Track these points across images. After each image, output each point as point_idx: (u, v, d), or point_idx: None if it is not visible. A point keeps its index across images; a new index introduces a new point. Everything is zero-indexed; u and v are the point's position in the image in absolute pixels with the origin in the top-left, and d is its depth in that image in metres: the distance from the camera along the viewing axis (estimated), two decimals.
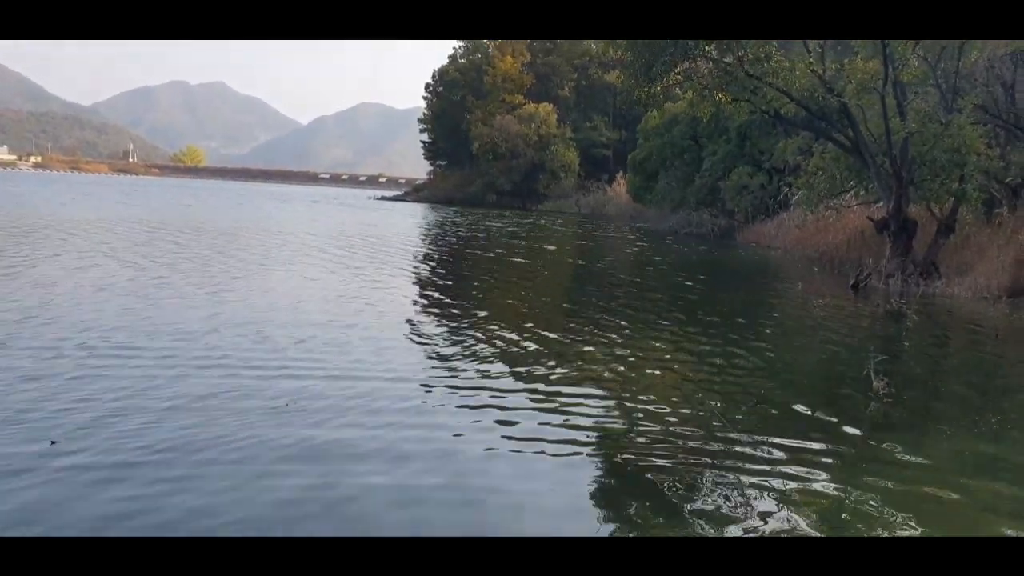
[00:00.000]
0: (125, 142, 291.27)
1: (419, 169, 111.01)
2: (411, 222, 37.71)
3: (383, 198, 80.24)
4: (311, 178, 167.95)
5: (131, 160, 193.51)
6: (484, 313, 11.12)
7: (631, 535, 4.22)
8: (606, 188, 64.14)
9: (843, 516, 4.49)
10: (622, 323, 10.56)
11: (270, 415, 5.70)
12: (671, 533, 4.23)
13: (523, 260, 20.82)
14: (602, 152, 71.37)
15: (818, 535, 4.22)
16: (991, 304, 14.68)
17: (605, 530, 4.25)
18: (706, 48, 18.10)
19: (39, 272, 12.20)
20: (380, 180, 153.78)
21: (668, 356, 8.66)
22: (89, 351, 7.25)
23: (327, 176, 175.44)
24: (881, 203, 18.90)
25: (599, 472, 5.09)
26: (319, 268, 15.40)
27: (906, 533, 4.28)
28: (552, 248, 26.75)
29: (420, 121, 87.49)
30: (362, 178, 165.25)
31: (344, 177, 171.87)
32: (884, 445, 5.80)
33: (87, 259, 14.27)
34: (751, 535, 4.18)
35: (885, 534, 4.26)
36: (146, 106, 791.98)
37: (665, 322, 11.01)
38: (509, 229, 34.37)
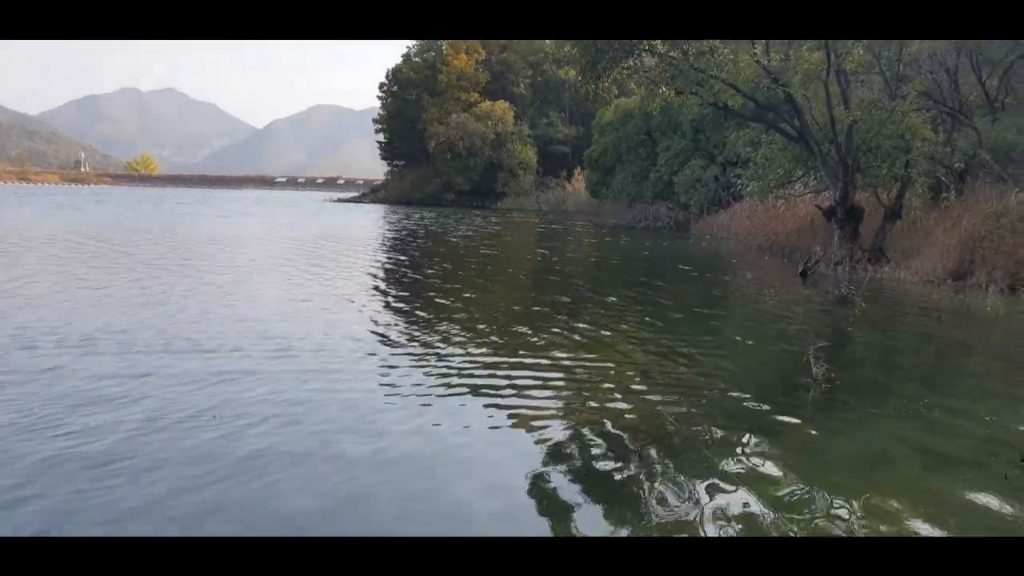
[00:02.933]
0: (76, 151, 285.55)
1: (375, 169, 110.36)
2: (367, 223, 37.42)
3: (340, 200, 79.57)
4: (267, 182, 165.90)
5: (83, 170, 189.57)
6: (440, 311, 11.05)
7: (585, 534, 4.19)
8: (565, 184, 64.37)
9: (774, 507, 4.51)
10: (577, 316, 10.57)
11: (200, 427, 5.58)
12: (615, 528, 4.22)
13: (482, 258, 20.76)
14: (560, 149, 71.49)
15: (741, 530, 4.24)
16: (936, 287, 14.97)
17: (557, 528, 4.22)
18: (651, 43, 18.22)
19: None
20: (338, 182, 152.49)
21: (620, 349, 8.68)
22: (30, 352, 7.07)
23: (284, 179, 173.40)
24: (829, 191, 19.17)
25: (547, 468, 5.06)
26: (274, 274, 15.20)
27: (829, 526, 4.31)
28: (511, 246, 26.74)
29: (375, 121, 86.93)
30: (319, 180, 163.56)
31: (301, 180, 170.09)
32: (820, 432, 5.86)
33: (31, 270, 13.93)
34: (707, 532, 4.18)
35: (797, 531, 4.29)
36: (96, 115, 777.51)
37: (618, 316, 11.03)
38: (468, 228, 34.29)
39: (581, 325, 9.96)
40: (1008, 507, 4.49)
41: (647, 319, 10.85)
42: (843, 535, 4.10)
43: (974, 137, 19.67)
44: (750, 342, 9.66)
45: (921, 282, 15.68)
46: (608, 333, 9.59)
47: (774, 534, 4.12)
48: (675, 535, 4.09)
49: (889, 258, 17.90)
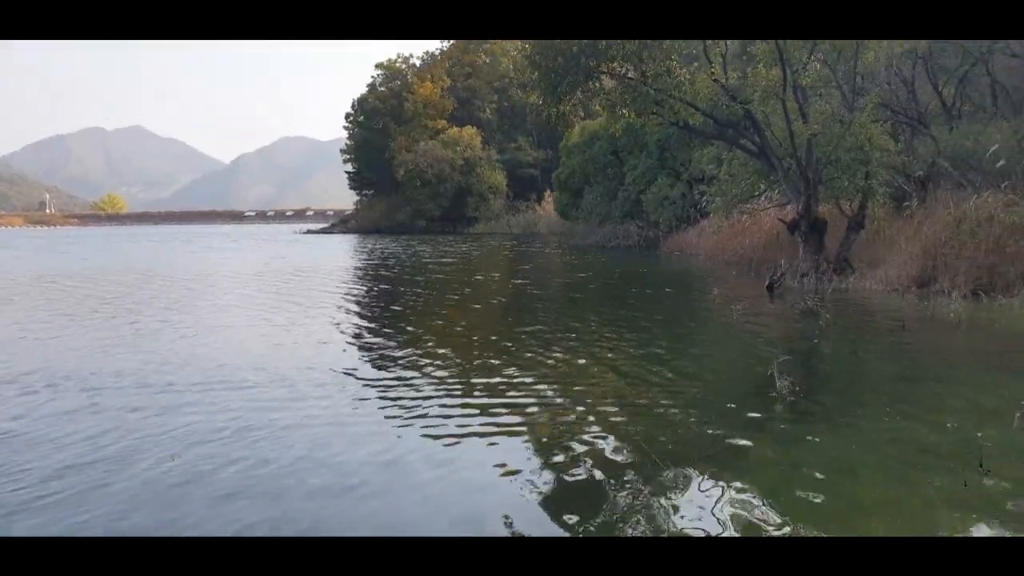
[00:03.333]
0: (40, 193, 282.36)
1: (345, 199, 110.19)
2: (337, 254, 37.29)
3: (309, 231, 79.32)
4: (236, 217, 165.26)
5: (48, 211, 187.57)
6: (413, 333, 11.00)
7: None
8: (536, 207, 64.74)
9: (737, 522, 4.50)
10: (548, 342, 10.55)
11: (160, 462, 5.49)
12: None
13: (452, 282, 20.73)
14: (529, 172, 71.97)
15: (703, 534, 4.22)
16: (901, 295, 15.14)
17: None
18: (610, 65, 18.42)
19: None
20: (307, 214, 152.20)
21: (590, 371, 8.67)
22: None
23: (252, 213, 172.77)
24: (792, 204, 19.38)
25: (519, 495, 5.01)
26: (241, 308, 15.06)
27: (782, 533, 4.31)
28: (482, 269, 26.72)
29: (343, 151, 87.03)
30: (289, 213, 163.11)
31: (270, 213, 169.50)
32: (784, 446, 5.87)
33: None
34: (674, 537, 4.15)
35: (769, 534, 4.28)
36: (60, 155, 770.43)
37: (588, 338, 11.03)
38: (439, 254, 34.28)
39: (552, 351, 9.92)
40: (968, 513, 4.52)
41: (616, 339, 10.86)
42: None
43: (933, 145, 20.01)
44: (716, 358, 9.70)
45: (886, 291, 15.85)
46: (579, 356, 9.57)
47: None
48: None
49: (854, 268, 18.10)
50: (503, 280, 22.72)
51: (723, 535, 4.31)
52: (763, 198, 22.47)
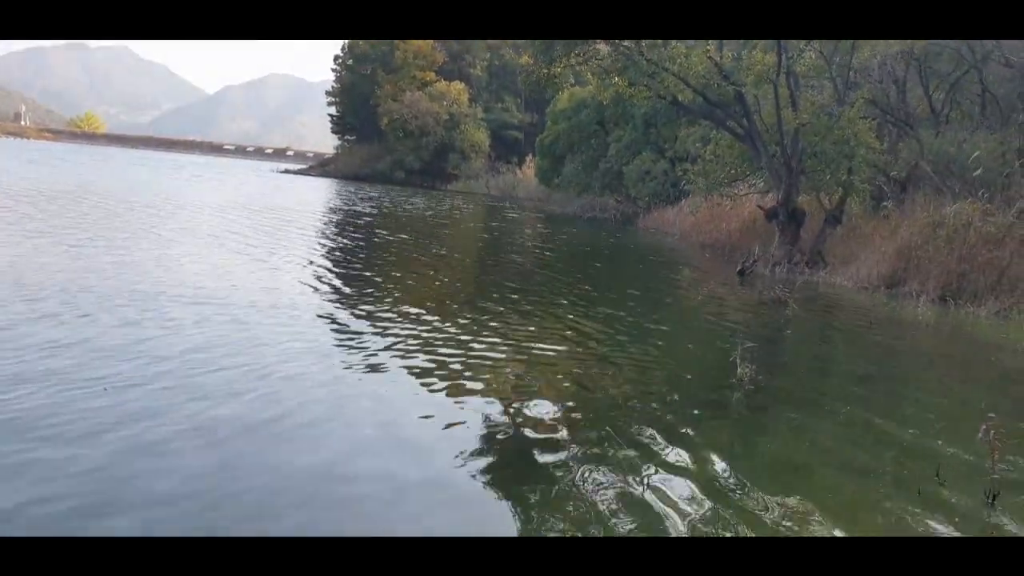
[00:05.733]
0: (17, 104, 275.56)
1: (326, 143, 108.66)
2: (313, 197, 36.65)
3: (287, 171, 78.17)
4: (216, 149, 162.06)
5: (23, 123, 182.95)
6: (377, 294, 10.71)
7: (493, 529, 3.94)
8: (516, 170, 64.13)
9: (682, 510, 4.31)
10: (505, 316, 10.32)
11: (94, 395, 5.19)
12: (524, 524, 3.98)
13: (426, 241, 20.38)
14: (513, 134, 71.19)
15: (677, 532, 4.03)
16: (870, 294, 15.08)
17: (482, 525, 3.96)
18: None
19: None
20: (288, 153, 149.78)
21: (547, 346, 8.44)
22: None
23: (232, 147, 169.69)
24: (772, 192, 19.23)
25: (468, 464, 4.80)
26: (210, 243, 14.63)
27: (737, 530, 4.13)
28: (457, 230, 26.34)
29: (328, 94, 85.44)
30: (268, 150, 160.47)
31: (250, 149, 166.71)
32: (739, 435, 5.72)
33: None
34: (618, 533, 3.95)
35: (715, 532, 4.09)
36: (39, 68, 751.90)
37: (550, 311, 10.82)
38: (416, 208, 33.82)
39: (512, 325, 9.63)
40: (922, 522, 4.37)
41: (580, 315, 10.66)
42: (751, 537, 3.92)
43: (916, 148, 19.91)
44: (679, 339, 9.51)
45: (856, 287, 15.79)
46: (534, 329, 9.34)
47: (676, 534, 3.92)
48: (582, 535, 3.87)
49: (827, 262, 18.03)
50: (479, 245, 22.43)
51: (659, 519, 4.12)
52: (745, 183, 22.31)
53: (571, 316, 10.34)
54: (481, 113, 69.86)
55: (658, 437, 5.44)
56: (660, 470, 4.84)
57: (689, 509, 4.31)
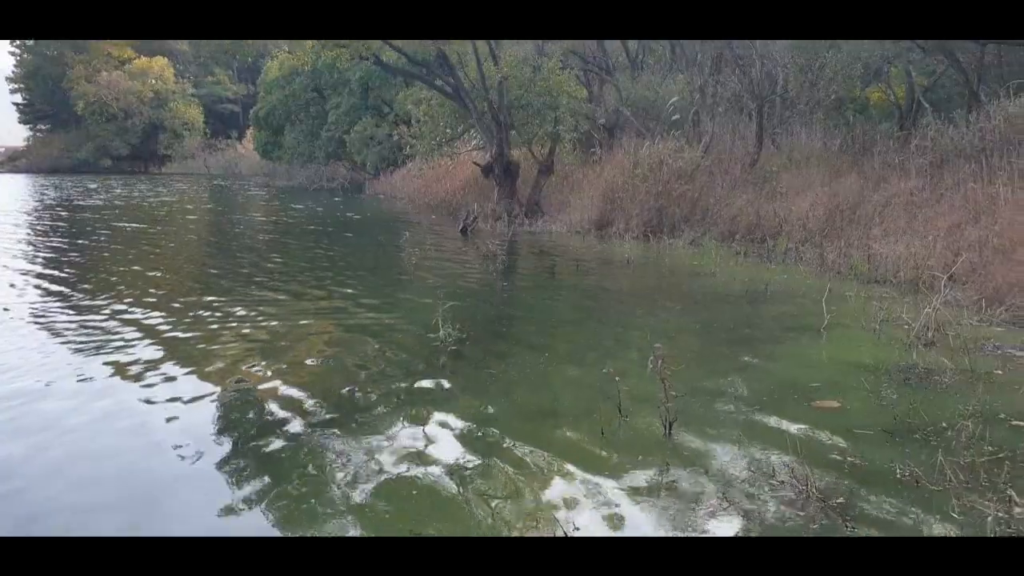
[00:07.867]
0: None
1: (17, 135, 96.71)
2: (3, 197, 32.27)
3: None
4: None
5: None
6: (98, 292, 9.52)
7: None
8: (236, 146, 60.98)
9: (385, 477, 4.01)
10: (232, 289, 9.62)
11: None
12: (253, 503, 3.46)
13: (146, 230, 18.50)
14: (229, 108, 67.51)
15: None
16: (582, 238, 15.72)
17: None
18: None
19: None
20: None
21: (254, 319, 7.94)
22: None
23: None
24: (487, 148, 19.46)
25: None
26: None
27: (436, 486, 3.90)
28: (177, 216, 24.16)
29: (10, 80, 75.72)
30: None
31: None
32: (440, 395, 5.53)
33: None
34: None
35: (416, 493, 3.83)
36: None
37: (266, 283, 10.16)
38: (129, 196, 30.86)
39: (212, 306, 8.90)
40: (606, 462, 4.38)
41: (293, 283, 10.10)
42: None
43: (617, 95, 21.03)
44: (387, 306, 9.20)
45: (571, 233, 16.41)
46: (244, 304, 8.72)
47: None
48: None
49: (544, 211, 18.61)
50: (211, 227, 20.84)
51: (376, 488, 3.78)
52: (463, 142, 22.44)
53: (285, 285, 9.85)
54: (191, 88, 65.36)
55: (363, 405, 5.14)
56: (367, 434, 4.51)
57: (385, 477, 4.02)
